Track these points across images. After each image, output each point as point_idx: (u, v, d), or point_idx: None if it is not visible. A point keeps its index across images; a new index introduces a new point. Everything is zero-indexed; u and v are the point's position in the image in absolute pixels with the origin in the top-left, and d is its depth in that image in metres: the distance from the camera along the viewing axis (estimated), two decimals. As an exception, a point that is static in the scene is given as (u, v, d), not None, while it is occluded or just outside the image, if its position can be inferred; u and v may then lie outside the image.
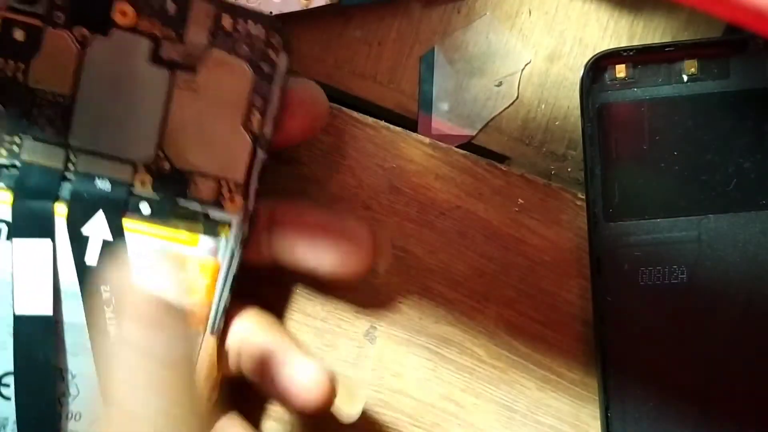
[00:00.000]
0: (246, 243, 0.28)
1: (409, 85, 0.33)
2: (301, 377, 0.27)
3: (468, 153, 0.32)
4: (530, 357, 0.32)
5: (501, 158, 0.33)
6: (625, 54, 0.31)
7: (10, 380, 0.26)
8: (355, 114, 0.32)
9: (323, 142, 0.32)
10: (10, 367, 0.26)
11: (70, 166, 0.27)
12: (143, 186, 0.27)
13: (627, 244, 0.31)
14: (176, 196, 0.27)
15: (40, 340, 0.26)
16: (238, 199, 0.28)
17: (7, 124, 0.26)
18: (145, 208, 0.27)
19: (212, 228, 0.28)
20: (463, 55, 0.33)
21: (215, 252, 0.28)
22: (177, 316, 0.23)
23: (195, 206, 0.27)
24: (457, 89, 0.33)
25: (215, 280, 0.28)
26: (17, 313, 0.26)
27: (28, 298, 0.26)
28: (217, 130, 0.27)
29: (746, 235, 0.31)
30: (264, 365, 0.27)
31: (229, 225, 0.28)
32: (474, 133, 0.33)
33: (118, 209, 0.27)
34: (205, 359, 0.28)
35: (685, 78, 0.31)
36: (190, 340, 0.23)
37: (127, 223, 0.27)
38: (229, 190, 0.28)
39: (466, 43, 0.33)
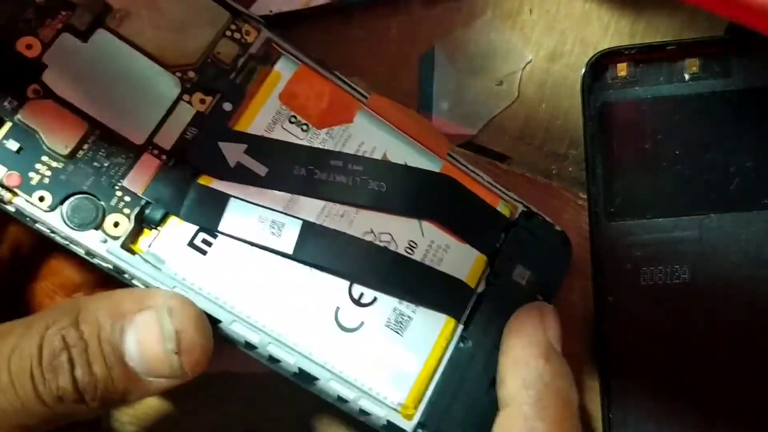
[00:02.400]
0: None
1: (410, 84, 0.33)
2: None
3: (468, 152, 0.32)
4: (531, 357, 0.32)
5: (502, 157, 0.33)
6: (626, 53, 0.31)
7: None
8: (355, 113, 0.32)
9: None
10: None
11: None
12: None
13: (628, 244, 0.31)
14: None
15: None
16: None
17: None
18: None
19: None
20: (463, 54, 0.33)
21: None
22: None
23: None
24: (457, 88, 0.33)
25: None
26: None
27: None
28: None
29: (748, 235, 0.31)
30: None
31: None
32: (475, 133, 0.33)
33: None
34: None
35: (687, 77, 0.31)
36: None
37: None
38: None
39: (467, 42, 0.33)
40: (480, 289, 0.29)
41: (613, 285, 0.31)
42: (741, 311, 0.30)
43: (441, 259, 0.28)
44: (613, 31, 0.33)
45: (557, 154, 0.33)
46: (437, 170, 0.29)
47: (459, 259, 0.28)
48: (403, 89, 0.33)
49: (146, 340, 0.24)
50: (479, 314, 0.28)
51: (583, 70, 0.31)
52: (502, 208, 0.29)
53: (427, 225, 0.28)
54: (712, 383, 0.30)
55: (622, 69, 0.31)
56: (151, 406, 0.32)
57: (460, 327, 0.28)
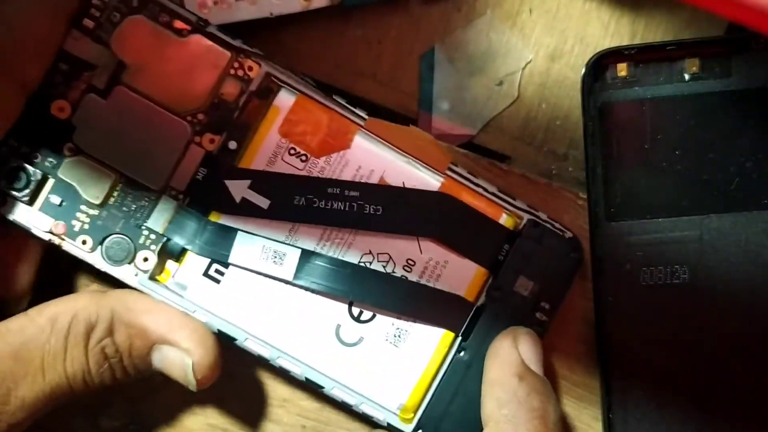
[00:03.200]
0: None
1: (410, 84, 0.33)
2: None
3: (468, 152, 0.32)
4: (531, 357, 0.32)
5: (502, 158, 0.33)
6: (626, 52, 0.31)
7: None
8: (355, 113, 0.32)
9: (323, 142, 0.32)
10: None
11: None
12: None
13: (629, 244, 0.31)
14: None
15: None
16: None
17: None
18: None
19: None
20: (463, 54, 0.33)
21: None
22: None
23: None
24: (457, 88, 0.33)
25: None
26: None
27: None
28: None
29: (748, 235, 0.31)
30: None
31: None
32: (475, 133, 0.33)
33: None
34: None
35: (687, 77, 0.31)
36: None
37: None
38: None
39: (467, 42, 0.33)
40: (480, 302, 0.30)
41: (613, 285, 0.31)
42: (741, 311, 0.30)
43: (439, 275, 0.30)
44: (613, 31, 0.33)
45: (557, 154, 0.33)
46: (437, 186, 0.30)
47: (458, 273, 0.30)
48: (403, 89, 0.33)
49: (170, 369, 0.29)
50: (479, 326, 0.30)
51: (583, 70, 0.31)
52: (506, 220, 0.30)
53: (425, 242, 0.30)
54: (712, 383, 0.30)
55: (622, 69, 0.31)
56: (153, 405, 0.32)
57: (459, 339, 0.30)
